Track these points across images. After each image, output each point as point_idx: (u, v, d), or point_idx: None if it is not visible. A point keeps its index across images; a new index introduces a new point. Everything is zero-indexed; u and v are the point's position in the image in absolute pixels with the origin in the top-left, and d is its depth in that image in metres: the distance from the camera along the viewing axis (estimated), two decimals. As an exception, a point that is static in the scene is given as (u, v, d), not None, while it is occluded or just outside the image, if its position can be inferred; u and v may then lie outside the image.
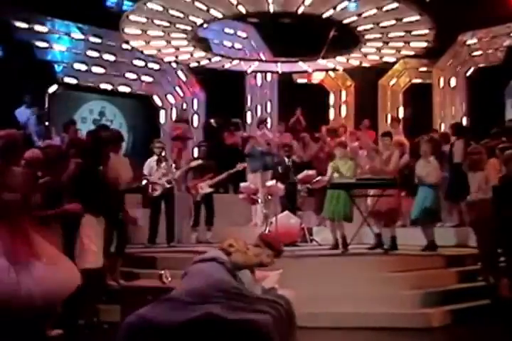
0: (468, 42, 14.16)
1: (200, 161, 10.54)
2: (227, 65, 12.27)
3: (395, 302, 7.02)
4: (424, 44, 10.95)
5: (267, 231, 9.85)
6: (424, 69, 15.01)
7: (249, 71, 12.88)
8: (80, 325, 6.32)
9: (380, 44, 11.04)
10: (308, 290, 6.57)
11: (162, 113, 14.04)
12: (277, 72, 13.26)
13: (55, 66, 12.57)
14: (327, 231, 10.54)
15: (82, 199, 6.01)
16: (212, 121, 13.20)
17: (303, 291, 5.78)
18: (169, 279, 5.76)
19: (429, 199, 8.81)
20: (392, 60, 12.47)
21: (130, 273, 7.63)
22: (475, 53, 14.22)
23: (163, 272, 5.81)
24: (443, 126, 13.95)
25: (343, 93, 15.40)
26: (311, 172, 10.36)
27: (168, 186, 9.96)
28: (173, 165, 10.30)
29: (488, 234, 7.70)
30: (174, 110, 13.98)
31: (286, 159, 10.86)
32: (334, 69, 13.19)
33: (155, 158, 10.08)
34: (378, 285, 7.24)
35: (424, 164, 8.99)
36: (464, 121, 13.81)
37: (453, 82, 14.40)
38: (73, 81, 12.89)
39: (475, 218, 8.03)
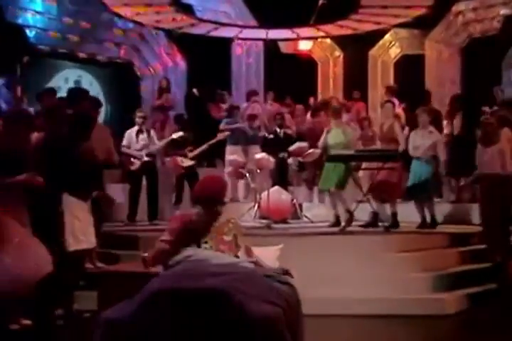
0: (463, 11, 13.29)
1: (181, 133, 9.62)
2: (212, 32, 11.33)
3: (405, 286, 6.25)
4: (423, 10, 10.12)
5: (255, 208, 9.20)
6: (416, 40, 14.16)
7: (235, 38, 11.94)
8: (57, 314, 5.45)
9: (376, 10, 10.19)
10: (308, 273, 5.71)
11: (142, 82, 13.16)
12: (264, 40, 12.33)
13: (27, 31, 11.53)
14: (318, 208, 9.99)
15: (58, 175, 5.25)
16: (194, 90, 12.23)
17: (302, 275, 4.88)
18: None
19: (425, 172, 8.02)
20: (388, 25, 11.57)
21: (109, 254, 6.79)
22: (470, 23, 13.35)
23: (146, 254, 4.94)
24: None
25: (332, 64, 14.54)
26: (303, 144, 9.55)
27: (146, 159, 9.07)
28: (155, 137, 9.41)
29: (497, 210, 7.03)
30: (155, 79, 13.03)
31: (278, 129, 10.01)
32: (326, 37, 12.30)
33: (135, 128, 9.19)
34: (385, 268, 6.45)
35: (423, 134, 8.18)
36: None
37: (447, 53, 13.56)
38: (47, 48, 11.91)
39: (484, 193, 7.24)
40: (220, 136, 10.08)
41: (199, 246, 4.25)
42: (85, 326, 5.38)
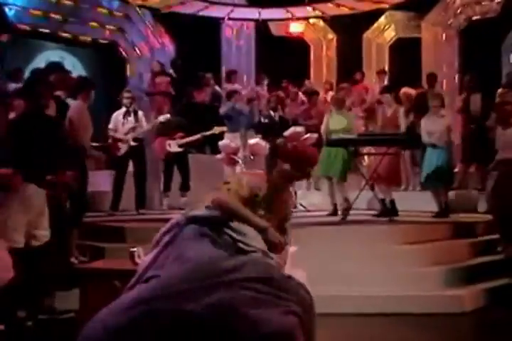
0: (462, -8, 12.73)
1: (168, 115, 8.97)
2: (202, 12, 10.66)
3: (414, 281, 5.67)
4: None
5: None
6: (412, 22, 13.58)
7: (226, 18, 11.28)
8: (24, 316, 4.84)
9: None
10: (309, 267, 5.11)
11: (128, 65, 12.43)
12: (257, 20, 11.68)
13: (6, 9, 10.79)
14: (314, 195, 9.51)
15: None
16: (170, 71, 11.52)
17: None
18: (143, 259, 4.31)
19: (441, 159, 7.49)
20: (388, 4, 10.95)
21: (92, 247, 6.16)
22: (469, 5, 12.76)
23: (135, 249, 4.36)
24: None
25: (325, 47, 13.93)
26: (299, 128, 8.81)
27: (133, 144, 8.40)
28: (144, 119, 8.71)
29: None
30: (141, 62, 12.35)
31: (273, 113, 9.39)
32: (322, 17, 11.68)
33: (123, 110, 8.51)
34: (391, 261, 5.88)
35: (435, 120, 7.63)
36: (456, 78, 12.46)
37: (444, 36, 12.98)
38: (27, 27, 11.18)
39: (501, 179, 6.66)
40: (217, 130, 9.40)
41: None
42: (65, 328, 4.80)
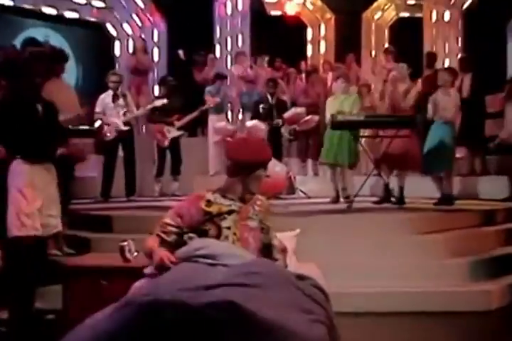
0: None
1: (165, 100, 8.36)
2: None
3: (436, 275, 5.07)
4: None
5: None
6: (412, 2, 12.97)
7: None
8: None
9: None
10: (317, 260, 4.56)
11: (117, 44, 11.68)
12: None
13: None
14: (313, 182, 9.03)
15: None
16: (180, 52, 10.86)
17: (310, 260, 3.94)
18: (135, 254, 3.75)
19: (447, 137, 6.91)
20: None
21: (78, 238, 5.53)
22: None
23: (125, 243, 3.80)
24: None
25: (322, 27, 13.25)
26: (299, 109, 8.35)
27: (124, 128, 7.84)
28: (132, 103, 8.18)
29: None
30: (131, 41, 11.63)
31: (270, 96, 8.74)
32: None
33: (110, 93, 7.91)
34: (409, 253, 5.27)
35: (443, 96, 7.05)
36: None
37: (447, 15, 12.34)
38: (9, 2, 10.51)
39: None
40: (210, 102, 8.91)
41: (219, 234, 3.15)
42: (46, 330, 4.20)
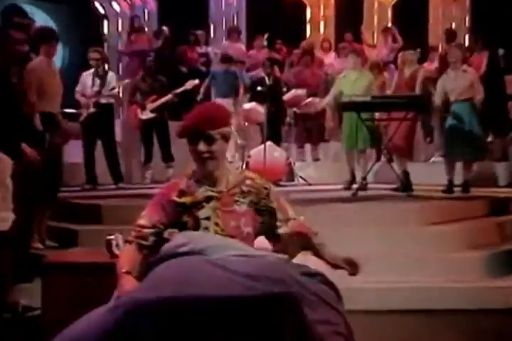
0: None
1: (196, 81, 8.28)
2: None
3: (449, 270, 4.78)
4: None
5: (243, 168, 7.69)
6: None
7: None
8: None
9: None
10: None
11: (105, 23, 11.36)
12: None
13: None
14: (313, 168, 8.82)
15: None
16: (164, 28, 10.52)
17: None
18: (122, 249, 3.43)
19: (467, 119, 6.59)
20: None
21: (62, 230, 5.24)
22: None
23: (112, 237, 3.48)
24: (440, 44, 11.64)
25: (322, 6, 12.92)
26: (300, 91, 8.06)
27: (92, 110, 7.49)
28: (113, 82, 7.78)
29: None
30: (120, 19, 11.33)
31: (267, 77, 8.43)
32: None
33: (91, 71, 7.61)
34: (420, 246, 4.99)
35: (456, 75, 6.73)
36: (467, 40, 11.57)
37: (453, -7, 12.09)
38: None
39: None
40: (188, 85, 8.50)
41: (197, 227, 2.73)
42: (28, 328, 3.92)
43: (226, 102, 8.60)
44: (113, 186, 7.57)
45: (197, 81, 8.67)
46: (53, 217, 5.21)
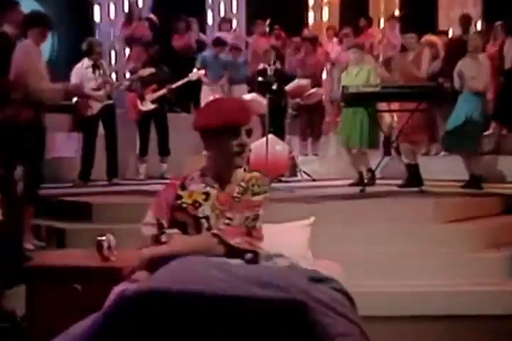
0: None
1: (152, 69, 7.98)
2: None
3: (467, 272, 4.60)
4: None
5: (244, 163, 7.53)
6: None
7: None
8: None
9: None
10: (330, 255, 4.05)
11: (97, 9, 11.16)
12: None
13: None
14: (314, 162, 8.69)
15: None
16: (151, 16, 10.37)
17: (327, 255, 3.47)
18: (114, 252, 3.27)
19: (475, 110, 6.49)
20: None
21: (50, 229, 5.10)
22: None
23: (103, 238, 3.31)
24: (451, 30, 11.47)
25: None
26: (303, 81, 7.87)
27: (108, 102, 7.48)
28: (108, 72, 7.82)
29: None
30: (112, 5, 11.12)
31: (268, 67, 8.23)
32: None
33: (88, 63, 7.46)
34: (436, 246, 4.82)
35: (473, 63, 6.62)
36: (479, 25, 11.37)
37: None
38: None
39: None
40: (193, 76, 8.44)
41: (198, 227, 2.69)
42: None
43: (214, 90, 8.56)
44: (105, 182, 7.46)
45: (202, 71, 8.63)
46: (41, 216, 5.07)
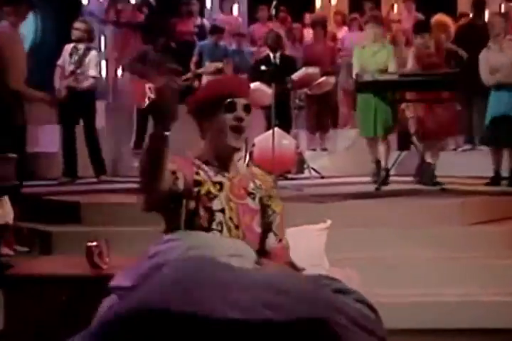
0: None
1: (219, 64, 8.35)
2: None
3: (497, 281, 4.42)
4: None
5: (247, 159, 7.42)
6: None
7: None
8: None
9: None
10: (347, 259, 4.02)
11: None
12: None
13: None
14: (325, 158, 8.58)
15: None
16: None
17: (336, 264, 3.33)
18: (106, 259, 3.10)
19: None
20: None
21: (34, 232, 4.97)
22: None
23: (95, 244, 3.16)
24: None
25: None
26: (311, 69, 7.68)
27: (63, 93, 7.13)
28: (94, 59, 7.46)
29: None
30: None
31: (271, 54, 8.05)
32: None
33: (72, 45, 7.38)
34: (461, 251, 4.67)
35: (501, 49, 6.46)
36: (503, 6, 11.18)
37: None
38: None
39: None
40: (209, 68, 8.49)
41: (210, 220, 2.52)
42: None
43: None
44: (94, 179, 7.33)
45: (220, 64, 8.58)
46: (24, 217, 4.93)
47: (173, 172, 2.46)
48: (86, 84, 7.25)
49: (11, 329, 3.17)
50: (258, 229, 2.61)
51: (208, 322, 1.96)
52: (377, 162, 6.76)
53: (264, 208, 2.65)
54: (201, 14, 10.65)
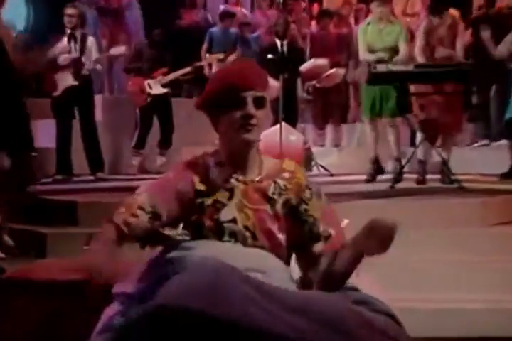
0: None
1: (123, 49, 8.06)
2: None
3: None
4: None
5: None
6: None
7: None
8: None
9: None
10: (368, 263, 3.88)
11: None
12: None
13: None
14: (334, 155, 8.66)
15: None
16: None
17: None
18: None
19: None
20: None
21: (27, 233, 4.91)
22: None
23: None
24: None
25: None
26: (320, 61, 7.68)
27: (73, 83, 7.28)
28: (94, 47, 7.59)
29: None
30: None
31: (279, 42, 7.98)
32: None
33: (67, 32, 7.47)
34: (485, 252, 4.60)
35: None
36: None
37: None
38: None
39: None
40: (211, 59, 8.60)
41: (220, 232, 2.28)
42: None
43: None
44: (90, 177, 7.33)
45: (221, 55, 8.62)
46: (15, 217, 4.86)
47: (151, 212, 2.27)
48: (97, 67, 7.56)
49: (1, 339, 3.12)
50: (281, 236, 2.34)
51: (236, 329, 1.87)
52: (375, 162, 6.77)
53: (295, 214, 2.35)
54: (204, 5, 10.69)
